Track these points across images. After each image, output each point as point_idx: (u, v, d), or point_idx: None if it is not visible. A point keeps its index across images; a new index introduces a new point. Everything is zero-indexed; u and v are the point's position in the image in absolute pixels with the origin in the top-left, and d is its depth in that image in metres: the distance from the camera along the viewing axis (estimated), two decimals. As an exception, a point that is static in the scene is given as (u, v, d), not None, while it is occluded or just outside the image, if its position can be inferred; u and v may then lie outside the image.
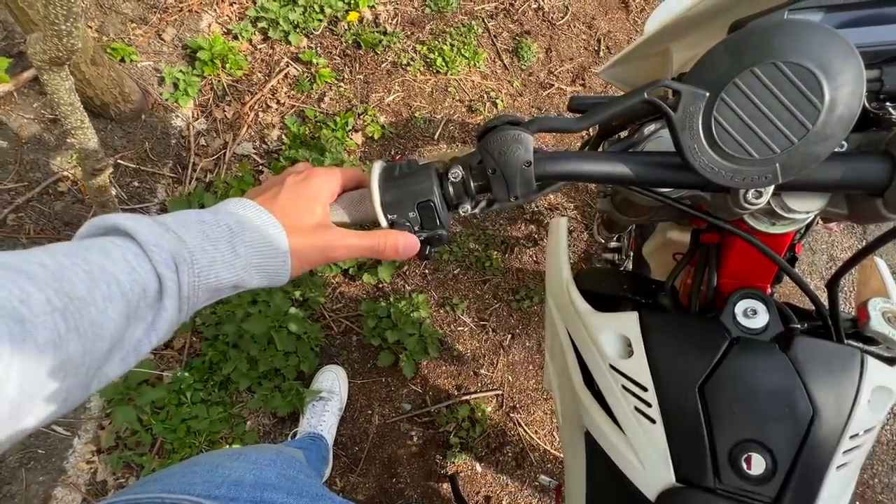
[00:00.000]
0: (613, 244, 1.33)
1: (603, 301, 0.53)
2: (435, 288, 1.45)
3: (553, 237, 0.61)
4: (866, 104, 0.36)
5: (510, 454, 1.31)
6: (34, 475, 1.11)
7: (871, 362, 0.42)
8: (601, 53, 1.77)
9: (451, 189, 0.39)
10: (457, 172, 0.38)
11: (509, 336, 1.42)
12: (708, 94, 0.32)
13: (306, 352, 1.28)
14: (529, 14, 1.80)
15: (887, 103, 0.37)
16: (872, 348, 0.46)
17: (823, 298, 0.45)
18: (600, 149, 0.54)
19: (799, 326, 0.46)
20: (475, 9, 1.77)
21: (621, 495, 0.47)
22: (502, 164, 0.37)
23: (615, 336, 0.48)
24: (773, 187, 0.35)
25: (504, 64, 1.71)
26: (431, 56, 1.65)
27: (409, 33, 1.70)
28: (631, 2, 1.86)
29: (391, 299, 1.38)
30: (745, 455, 0.41)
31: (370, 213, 0.39)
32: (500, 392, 1.37)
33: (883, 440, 1.39)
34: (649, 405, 0.45)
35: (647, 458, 0.44)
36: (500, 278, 1.47)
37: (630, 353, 0.46)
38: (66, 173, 1.29)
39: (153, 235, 0.31)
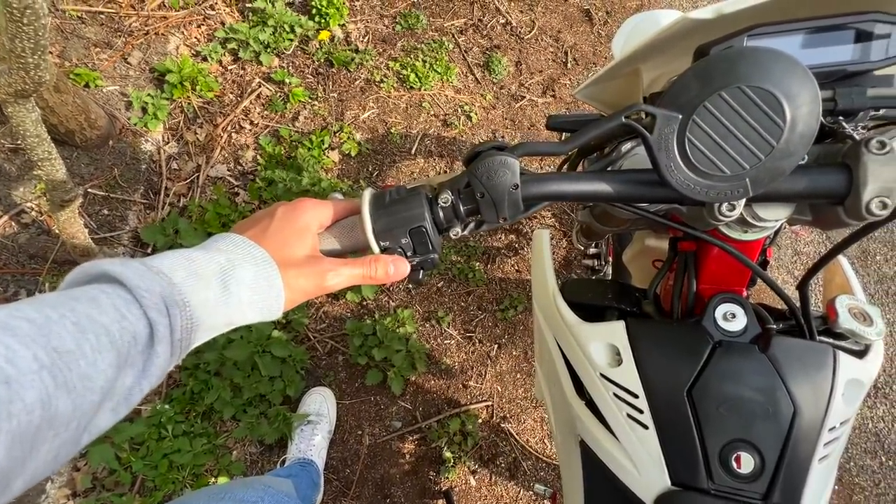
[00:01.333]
0: (592, 250, 1.36)
1: (589, 310, 0.55)
2: (419, 302, 1.45)
3: (536, 250, 0.63)
4: (823, 120, 0.39)
5: (503, 465, 1.31)
6: (4, 526, 1.04)
7: (843, 357, 0.45)
8: (569, 65, 1.83)
9: (441, 213, 0.39)
10: (446, 197, 0.39)
11: (496, 346, 1.43)
12: (681, 116, 0.34)
13: (292, 375, 1.25)
14: (498, 29, 1.84)
15: (840, 118, 0.40)
16: (842, 343, 0.49)
17: (795, 297, 0.48)
18: (580, 167, 0.56)
19: (775, 327, 0.49)
20: (445, 25, 1.80)
21: (619, 501, 0.48)
22: (490, 187, 0.38)
23: (604, 345, 0.49)
24: (744, 200, 0.38)
25: (476, 78, 1.74)
26: (404, 72, 1.67)
27: (381, 50, 1.71)
28: (594, 15, 1.93)
29: (376, 316, 1.37)
30: (735, 455, 0.43)
31: (362, 241, 0.39)
32: (489, 403, 1.37)
33: (856, 425, 1.45)
34: (641, 411, 0.46)
35: (642, 463, 0.45)
36: (484, 289, 1.49)
37: (619, 362, 0.48)
38: (29, 204, 1.24)
39: (142, 280, 0.30)
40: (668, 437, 0.45)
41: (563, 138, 0.40)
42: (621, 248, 0.92)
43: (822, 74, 0.40)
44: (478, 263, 1.51)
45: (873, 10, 0.39)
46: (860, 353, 0.48)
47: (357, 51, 1.68)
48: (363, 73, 1.66)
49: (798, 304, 0.48)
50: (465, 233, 0.42)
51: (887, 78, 0.42)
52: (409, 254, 0.39)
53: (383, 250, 0.39)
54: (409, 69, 1.67)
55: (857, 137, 0.37)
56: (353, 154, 1.55)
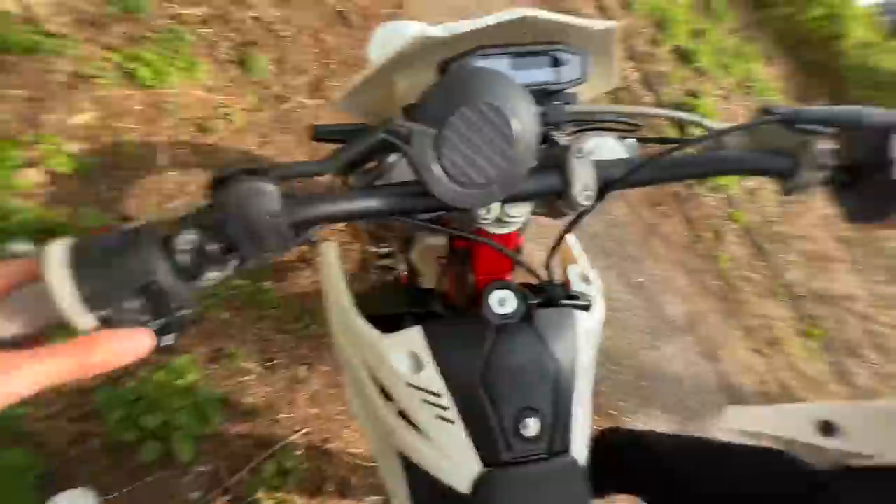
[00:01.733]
0: (385, 250, 1.40)
1: (386, 320, 0.55)
2: (202, 342, 1.22)
3: (326, 265, 0.59)
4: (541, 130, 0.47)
5: (332, 488, 1.24)
6: None
7: (578, 314, 0.57)
8: (332, 66, 1.80)
9: (183, 258, 0.31)
10: (188, 238, 0.31)
11: (304, 367, 1.33)
12: (434, 130, 0.36)
13: (18, 492, 0.89)
14: (249, 23, 1.67)
15: (552, 128, 0.50)
16: (578, 302, 0.62)
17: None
18: (351, 180, 0.55)
19: (535, 302, 0.58)
20: (182, 13, 1.53)
21: (443, 498, 0.50)
22: (244, 218, 0.32)
23: (405, 354, 0.50)
24: (497, 203, 0.43)
25: (231, 76, 1.54)
26: (131, 66, 1.35)
27: (89, 37, 1.34)
28: (350, 17, 1.95)
29: (141, 375, 1.09)
30: (522, 422, 0.49)
31: (57, 315, 0.28)
32: (308, 429, 1.27)
33: (592, 350, 1.94)
34: (446, 409, 0.48)
35: (455, 456, 0.48)
36: (280, 309, 1.36)
37: (421, 367, 0.49)
38: None
39: None
40: (472, 425, 0.48)
41: (333, 149, 0.38)
42: (408, 248, 0.96)
43: (537, 93, 0.48)
44: (268, 283, 1.36)
45: (558, 42, 0.49)
46: (588, 308, 0.61)
47: (48, 35, 1.27)
48: (65, 66, 1.27)
49: (546, 279, 0.58)
50: (229, 273, 0.35)
51: (574, 95, 0.54)
52: (144, 319, 0.30)
53: (103, 322, 0.29)
54: (138, 62, 1.36)
55: (565, 144, 0.47)
56: (68, 172, 1.18)
